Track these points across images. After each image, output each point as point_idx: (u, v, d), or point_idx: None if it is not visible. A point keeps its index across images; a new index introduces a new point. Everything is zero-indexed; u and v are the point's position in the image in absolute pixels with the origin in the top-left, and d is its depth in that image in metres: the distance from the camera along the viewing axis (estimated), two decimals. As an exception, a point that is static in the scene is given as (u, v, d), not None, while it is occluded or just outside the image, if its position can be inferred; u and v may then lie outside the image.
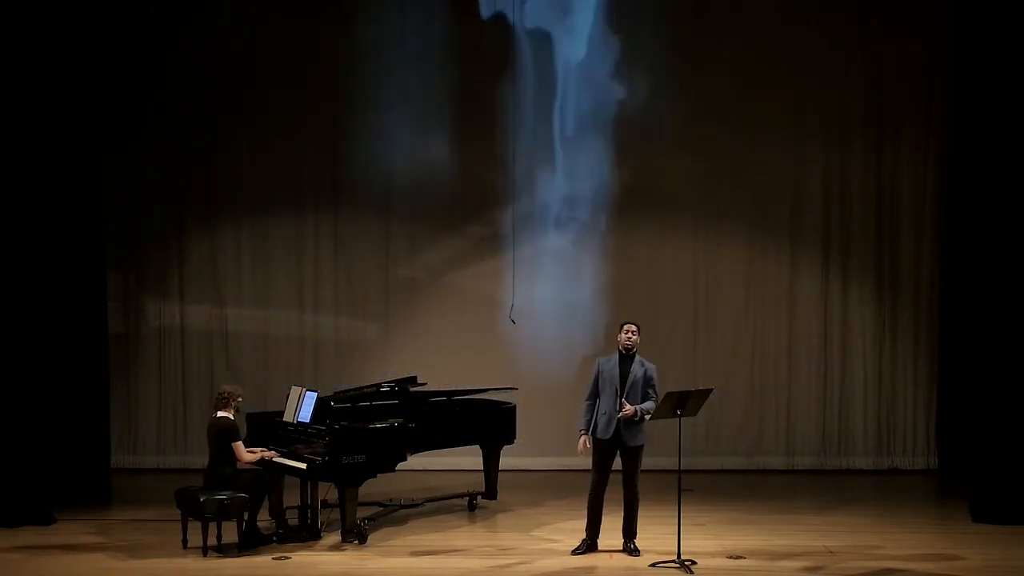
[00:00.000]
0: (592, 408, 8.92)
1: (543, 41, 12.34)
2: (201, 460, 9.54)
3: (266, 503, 9.28)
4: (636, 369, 8.85)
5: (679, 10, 12.38)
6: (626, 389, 8.80)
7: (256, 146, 12.51)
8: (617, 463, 8.94)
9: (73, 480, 10.65)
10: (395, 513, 10.35)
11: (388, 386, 10.12)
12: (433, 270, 12.65)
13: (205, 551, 8.88)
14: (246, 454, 9.08)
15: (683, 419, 8.70)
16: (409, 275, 12.64)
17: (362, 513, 9.57)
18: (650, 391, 8.86)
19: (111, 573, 8.63)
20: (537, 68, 12.34)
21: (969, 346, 11.04)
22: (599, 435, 8.86)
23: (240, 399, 9.23)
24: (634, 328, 8.93)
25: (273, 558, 8.88)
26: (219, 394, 9.21)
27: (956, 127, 12.03)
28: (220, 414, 9.09)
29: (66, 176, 10.58)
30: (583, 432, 8.94)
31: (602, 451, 8.90)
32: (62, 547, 9.25)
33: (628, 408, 8.73)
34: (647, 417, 8.80)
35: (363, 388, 10.19)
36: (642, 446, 8.88)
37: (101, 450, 11.38)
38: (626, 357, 8.89)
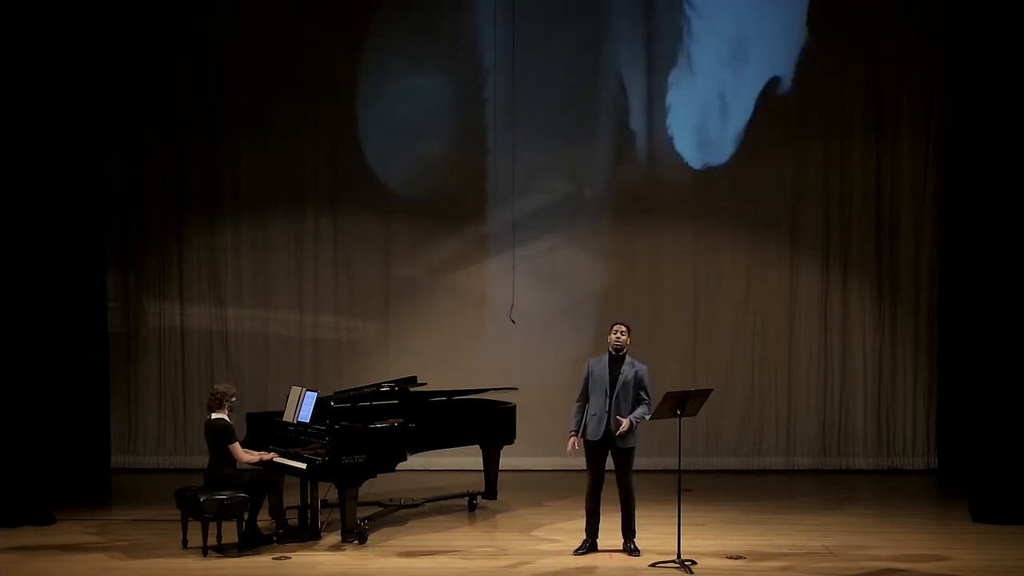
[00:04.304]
0: (582, 410, 8.90)
1: (543, 41, 12.33)
2: (201, 460, 9.54)
3: (266, 503, 9.27)
4: (626, 370, 8.82)
5: (679, 10, 12.38)
6: (616, 390, 8.77)
7: (256, 146, 12.51)
8: (611, 463, 8.93)
9: (73, 480, 10.65)
10: (395, 513, 10.35)
11: (388, 386, 10.13)
12: (433, 270, 12.66)
13: (205, 551, 8.88)
14: (244, 455, 9.07)
15: (683, 419, 8.70)
16: (409, 275, 12.64)
17: (362, 513, 9.58)
18: (642, 393, 8.82)
19: (111, 573, 8.63)
20: (537, 68, 12.32)
21: (969, 346, 11.03)
22: (589, 436, 8.84)
23: (234, 399, 9.21)
24: (624, 328, 8.89)
25: (273, 558, 8.88)
26: (212, 395, 9.18)
27: (956, 127, 12.04)
28: (215, 415, 9.07)
29: (66, 176, 10.58)
30: (573, 434, 8.93)
31: (593, 453, 8.88)
32: (62, 547, 9.25)
33: (624, 424, 8.70)
34: (646, 418, 8.80)
35: (363, 388, 10.19)
36: (633, 447, 8.86)
37: (101, 450, 11.38)
38: (616, 358, 8.86)
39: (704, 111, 12.48)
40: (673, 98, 12.47)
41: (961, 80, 11.84)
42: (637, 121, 12.49)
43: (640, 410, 8.78)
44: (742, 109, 12.45)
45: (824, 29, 12.34)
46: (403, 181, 12.56)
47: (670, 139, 12.49)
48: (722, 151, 12.47)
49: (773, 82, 12.42)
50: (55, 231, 10.38)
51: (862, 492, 11.56)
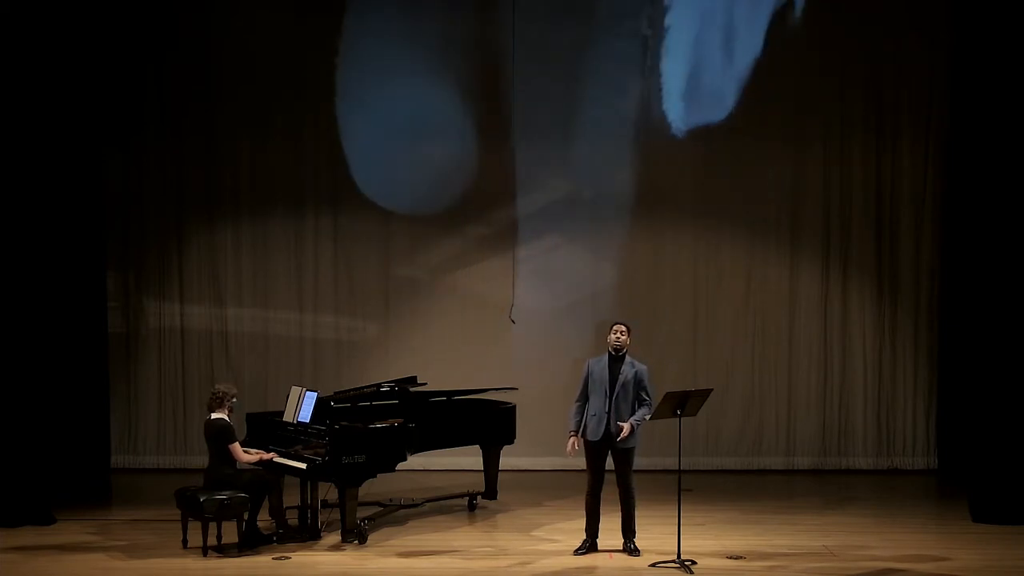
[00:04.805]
0: (582, 410, 8.90)
1: (544, 42, 12.32)
2: (201, 460, 9.55)
3: (266, 503, 9.27)
4: (626, 370, 8.81)
5: (680, 10, 12.39)
6: (616, 390, 8.77)
7: (256, 146, 12.51)
8: (611, 463, 8.93)
9: (73, 480, 10.65)
10: (395, 513, 10.35)
11: (388, 386, 10.13)
12: (433, 270, 12.66)
13: (205, 551, 8.88)
14: (244, 455, 9.07)
15: (683, 419, 8.70)
16: (409, 275, 12.64)
17: (362, 513, 9.58)
18: (642, 393, 8.81)
19: (111, 573, 8.63)
20: (537, 69, 12.31)
21: (969, 346, 11.03)
22: (589, 437, 8.84)
23: (234, 399, 9.21)
24: (623, 329, 8.89)
25: (273, 558, 8.88)
26: (213, 394, 9.18)
27: (956, 127, 12.04)
28: (215, 415, 9.08)
29: (66, 176, 10.58)
30: (572, 434, 8.93)
31: (593, 453, 8.87)
32: (62, 547, 9.25)
33: (624, 429, 8.70)
34: (647, 418, 8.80)
35: (363, 388, 10.20)
36: (633, 448, 8.86)
37: (101, 450, 11.39)
38: (616, 358, 8.86)
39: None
40: (671, 91, 12.48)
41: (961, 80, 11.84)
42: (637, 120, 12.48)
43: (640, 412, 8.78)
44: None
45: (824, 29, 12.33)
46: (403, 181, 12.55)
47: (671, 131, 12.47)
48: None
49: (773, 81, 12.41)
50: (55, 231, 10.38)
51: (862, 492, 11.56)
